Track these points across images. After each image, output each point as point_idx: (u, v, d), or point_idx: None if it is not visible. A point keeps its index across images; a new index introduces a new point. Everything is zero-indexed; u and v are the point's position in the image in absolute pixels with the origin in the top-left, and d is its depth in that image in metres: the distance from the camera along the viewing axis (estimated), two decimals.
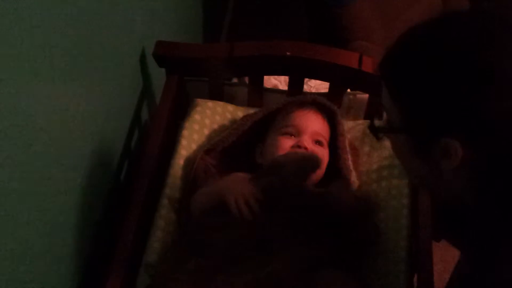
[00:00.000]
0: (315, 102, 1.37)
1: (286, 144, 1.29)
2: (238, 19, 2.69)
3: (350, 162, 1.34)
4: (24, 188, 0.93)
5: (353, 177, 1.34)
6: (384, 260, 1.22)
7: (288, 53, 1.39)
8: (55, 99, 1.02)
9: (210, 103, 1.47)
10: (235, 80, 1.61)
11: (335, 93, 1.48)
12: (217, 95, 1.51)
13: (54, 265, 1.10)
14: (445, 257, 2.08)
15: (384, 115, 0.96)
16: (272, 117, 1.38)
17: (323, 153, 1.31)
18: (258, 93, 1.52)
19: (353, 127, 1.47)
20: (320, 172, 1.29)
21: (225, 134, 1.38)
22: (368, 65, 1.39)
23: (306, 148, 1.27)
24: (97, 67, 1.20)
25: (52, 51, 0.98)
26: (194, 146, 1.39)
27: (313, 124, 1.32)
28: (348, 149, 1.36)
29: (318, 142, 1.31)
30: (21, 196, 0.93)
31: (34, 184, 0.97)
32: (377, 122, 0.97)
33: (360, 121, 1.50)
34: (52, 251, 1.09)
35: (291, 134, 1.31)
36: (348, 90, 1.53)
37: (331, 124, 1.37)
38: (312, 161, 1.23)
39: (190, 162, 1.36)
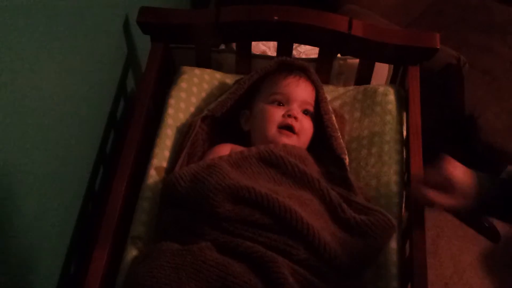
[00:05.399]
0: (303, 69, 1.34)
1: (276, 113, 1.27)
2: None
3: (334, 122, 1.30)
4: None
5: (339, 136, 1.30)
6: None
7: (275, 18, 1.36)
8: (37, 69, 0.99)
9: (197, 71, 1.44)
10: (222, 46, 1.57)
11: (325, 58, 1.45)
12: (204, 62, 1.47)
13: (40, 237, 1.09)
14: (438, 223, 2.08)
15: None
16: (259, 82, 1.35)
17: (312, 124, 1.31)
18: (246, 59, 1.48)
19: (344, 93, 1.45)
20: (307, 140, 1.30)
21: (223, 99, 1.33)
22: (358, 29, 1.35)
23: (295, 118, 1.26)
24: (80, 35, 1.17)
25: (33, 19, 0.95)
26: (181, 115, 1.36)
27: (302, 93, 1.30)
28: (331, 110, 1.33)
29: (306, 111, 1.30)
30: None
31: (16, 156, 0.95)
32: None
33: (351, 87, 1.47)
34: (38, 223, 1.07)
35: (279, 102, 1.29)
36: (339, 55, 1.50)
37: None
38: None
39: (182, 130, 1.32)
